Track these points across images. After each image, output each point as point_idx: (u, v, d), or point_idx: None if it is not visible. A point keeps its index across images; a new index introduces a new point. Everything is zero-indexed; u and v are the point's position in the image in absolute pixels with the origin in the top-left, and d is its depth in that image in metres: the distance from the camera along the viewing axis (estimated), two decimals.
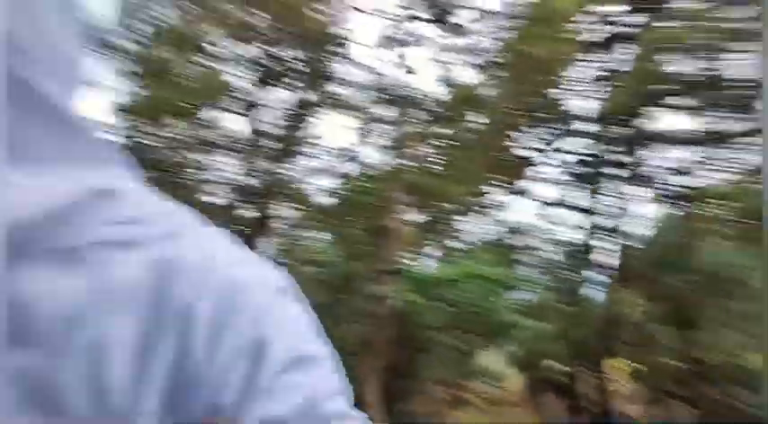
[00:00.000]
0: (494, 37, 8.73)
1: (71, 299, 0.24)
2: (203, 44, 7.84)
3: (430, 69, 9.34)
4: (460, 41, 9.11)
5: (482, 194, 9.86)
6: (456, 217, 10.21)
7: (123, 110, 7.23)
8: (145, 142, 7.46)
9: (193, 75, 7.64)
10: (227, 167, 8.57)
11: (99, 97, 7.04)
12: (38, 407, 0.23)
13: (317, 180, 9.79)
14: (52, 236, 0.24)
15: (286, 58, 8.47)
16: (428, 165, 9.90)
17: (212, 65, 7.99)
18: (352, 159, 9.89)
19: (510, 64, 8.30)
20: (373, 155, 10.47)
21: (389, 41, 9.09)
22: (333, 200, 9.90)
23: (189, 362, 0.26)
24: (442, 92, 9.44)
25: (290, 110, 8.89)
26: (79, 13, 0.28)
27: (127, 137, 7.18)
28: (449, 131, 9.47)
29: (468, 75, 9.11)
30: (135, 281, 0.26)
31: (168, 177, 7.47)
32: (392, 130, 9.57)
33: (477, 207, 10.13)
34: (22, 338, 0.23)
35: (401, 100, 9.54)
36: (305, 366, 0.30)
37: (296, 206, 9.51)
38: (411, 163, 10.35)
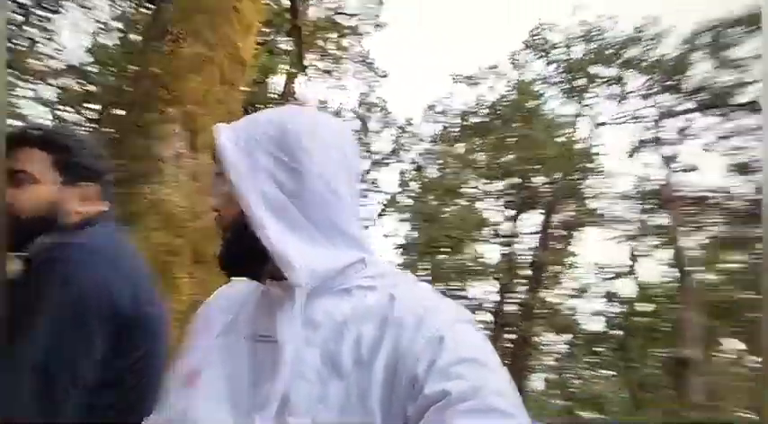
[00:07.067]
0: None
1: (344, 314, 0.50)
2: (461, 189, 9.33)
3: (714, 161, 7.75)
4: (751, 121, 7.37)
5: None
6: None
7: (402, 247, 9.23)
8: (419, 274, 9.08)
9: (455, 216, 9.05)
10: (487, 294, 9.16)
11: (384, 239, 9.34)
12: (330, 367, 0.48)
13: (585, 303, 8.93)
14: (337, 282, 0.52)
15: (534, 185, 8.95)
16: (739, 276, 7.54)
17: (468, 204, 9.29)
18: (624, 276, 8.68)
19: None
20: (652, 272, 8.82)
21: (650, 144, 8.27)
22: (609, 326, 8.61)
23: (399, 348, 0.46)
24: (736, 185, 7.54)
25: (546, 233, 8.99)
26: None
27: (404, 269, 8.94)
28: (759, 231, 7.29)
29: None
30: (375, 306, 0.50)
31: None
32: (672, 237, 8.06)
33: None
34: (322, 332, 0.50)
35: (683, 200, 8.12)
36: (474, 366, 0.44)
37: (562, 332, 8.90)
38: (711, 277, 8.07)
